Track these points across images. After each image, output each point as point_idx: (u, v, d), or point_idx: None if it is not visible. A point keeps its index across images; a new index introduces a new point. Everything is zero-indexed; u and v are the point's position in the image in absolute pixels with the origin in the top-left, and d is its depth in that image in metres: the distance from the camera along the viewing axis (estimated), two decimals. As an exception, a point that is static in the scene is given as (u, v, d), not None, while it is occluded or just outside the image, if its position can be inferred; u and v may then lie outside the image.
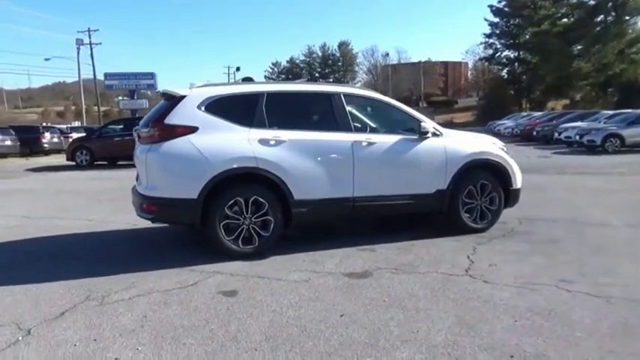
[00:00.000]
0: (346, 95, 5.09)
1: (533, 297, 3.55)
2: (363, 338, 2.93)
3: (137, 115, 29.45)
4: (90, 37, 40.08)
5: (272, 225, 4.64)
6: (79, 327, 3.16)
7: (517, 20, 55.58)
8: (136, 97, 37.52)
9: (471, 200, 5.45)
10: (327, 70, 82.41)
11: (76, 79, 41.53)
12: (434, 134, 5.28)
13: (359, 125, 5.11)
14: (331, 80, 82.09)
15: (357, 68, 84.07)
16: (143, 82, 37.43)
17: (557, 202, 7.69)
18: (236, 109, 4.69)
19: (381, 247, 4.95)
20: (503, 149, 5.77)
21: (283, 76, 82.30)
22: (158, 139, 4.45)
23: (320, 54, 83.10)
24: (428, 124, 5.20)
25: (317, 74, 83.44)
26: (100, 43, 40.90)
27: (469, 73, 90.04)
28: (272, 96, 4.83)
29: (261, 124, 4.68)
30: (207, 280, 4.04)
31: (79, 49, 38.34)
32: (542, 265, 4.31)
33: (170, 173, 4.45)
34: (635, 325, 3.04)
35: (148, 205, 4.49)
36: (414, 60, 79.65)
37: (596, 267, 4.23)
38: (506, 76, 60.54)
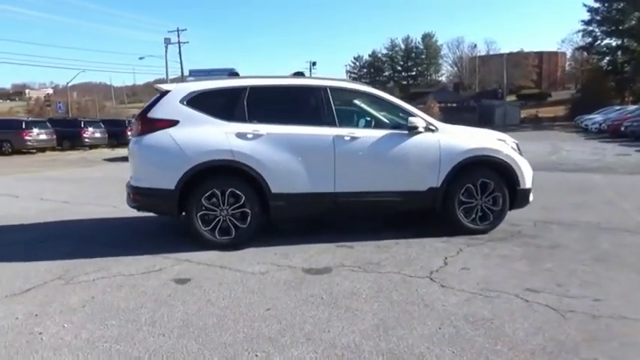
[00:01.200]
0: (333, 89, 5.02)
1: (480, 304, 3.30)
2: (270, 333, 2.92)
3: None
4: (178, 36, 42.78)
5: (249, 217, 4.73)
6: (32, 302, 3.47)
7: (621, 5, 50.46)
8: (217, 93, 39.45)
9: (470, 200, 5.14)
10: (409, 64, 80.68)
11: (175, 75, 44.73)
12: (427, 129, 5.05)
13: (345, 119, 5.02)
14: (414, 73, 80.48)
15: (441, 61, 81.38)
16: (224, 78, 39.20)
17: (599, 204, 6.96)
18: (218, 103, 4.83)
19: (364, 244, 4.84)
20: (512, 147, 5.36)
21: (365, 70, 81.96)
22: (142, 131, 4.71)
23: (403, 47, 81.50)
24: (418, 118, 4.98)
25: (399, 67, 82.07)
26: (188, 42, 43.40)
27: (567, 64, 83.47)
28: (255, 90, 4.90)
29: (241, 118, 4.78)
30: (172, 267, 4.22)
31: (166, 47, 41.17)
32: (519, 272, 3.98)
33: (150, 164, 4.69)
34: (571, 344, 2.73)
35: (133, 194, 4.78)
36: (504, 51, 75.26)
37: (581, 277, 3.82)
38: (606, 66, 55.23)
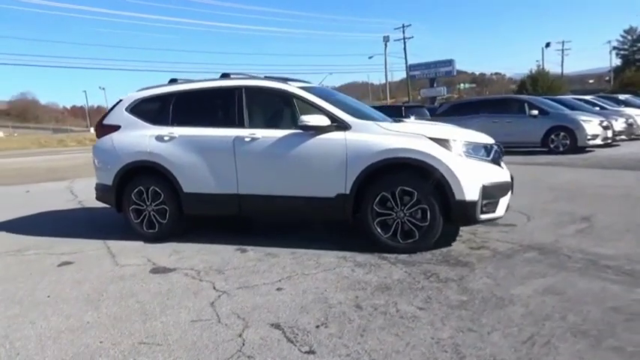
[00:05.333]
0: (248, 89, 4.88)
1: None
2: (11, 313, 3.35)
3: (437, 103, 30.56)
4: (404, 32, 43.51)
5: (167, 214, 5.09)
6: (-35, 266, 4.69)
7: None
8: (435, 85, 38.89)
9: (388, 211, 4.30)
10: None
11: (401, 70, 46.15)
12: (337, 127, 4.44)
13: (253, 120, 4.82)
14: None
15: None
16: (442, 70, 38.34)
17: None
18: (151, 109, 5.29)
19: (261, 249, 4.62)
20: (458, 149, 4.20)
21: (639, 45, 67.11)
22: (97, 136, 5.56)
23: (700, 9, 63.15)
24: (313, 116, 4.39)
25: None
26: (412, 37, 43.73)
27: None
28: (181, 95, 5.17)
29: (164, 122, 5.14)
30: (87, 252, 4.90)
31: (385, 45, 42.38)
32: (282, 303, 3.28)
33: (99, 163, 5.50)
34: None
35: (95, 189, 5.69)
36: None
37: (327, 319, 2.94)
38: None
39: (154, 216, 5.15)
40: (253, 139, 4.67)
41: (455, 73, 40.08)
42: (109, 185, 5.33)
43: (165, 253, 4.73)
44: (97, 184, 5.60)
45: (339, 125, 4.44)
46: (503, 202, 4.36)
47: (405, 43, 44.26)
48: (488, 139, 4.62)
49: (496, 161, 4.47)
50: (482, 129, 13.47)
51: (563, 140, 12.41)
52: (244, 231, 5.50)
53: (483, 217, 4.21)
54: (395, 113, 16.20)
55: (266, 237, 5.09)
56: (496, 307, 3.08)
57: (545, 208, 5.84)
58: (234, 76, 5.14)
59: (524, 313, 2.97)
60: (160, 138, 5.06)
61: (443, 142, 4.21)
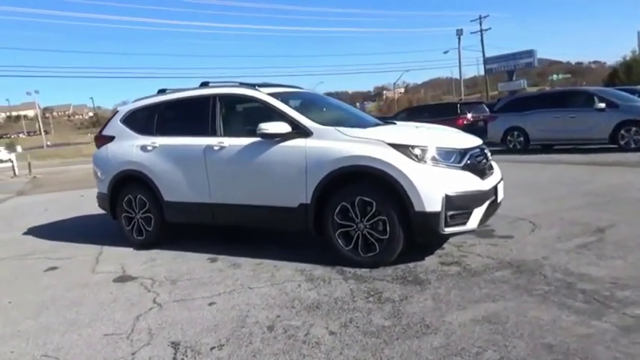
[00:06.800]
0: (221, 97, 4.83)
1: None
2: (-42, 320, 3.60)
3: (515, 96, 28.69)
4: (480, 24, 41.35)
5: (152, 221, 5.21)
6: (-26, 268, 5.14)
7: None
8: (514, 78, 36.50)
9: (349, 222, 4.05)
10: None
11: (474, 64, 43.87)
12: (299, 134, 4.26)
13: (224, 128, 4.75)
14: None
15: None
16: (521, 62, 35.86)
17: None
18: (140, 119, 5.42)
19: (231, 259, 4.57)
20: (427, 153, 3.84)
21: None
22: (97, 146, 5.82)
23: None
24: (272, 123, 4.22)
25: None
26: (490, 29, 41.39)
27: None
28: (167, 105, 5.25)
29: (149, 132, 5.25)
30: (77, 258, 5.17)
31: (459, 38, 40.40)
32: (227, 316, 3.15)
33: (97, 173, 5.74)
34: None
35: (96, 197, 5.97)
36: None
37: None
38: None
39: (142, 224, 5.29)
40: (221, 148, 4.62)
41: (536, 64, 37.25)
42: (105, 193, 5.56)
43: (141, 260, 4.84)
44: (97, 193, 5.88)
45: (301, 132, 4.25)
46: (477, 213, 3.91)
47: (482, 35, 42.04)
48: (468, 143, 4.18)
49: (473, 167, 4.02)
50: (542, 125, 12.74)
51: (635, 136, 11.02)
52: (231, 239, 5.46)
53: (449, 230, 3.80)
54: (449, 110, 15.49)
55: (246, 246, 5.02)
56: (414, 335, 2.75)
57: (561, 217, 5.18)
58: (212, 84, 5.12)
59: (439, 345, 2.62)
60: (144, 148, 5.18)
61: (402, 149, 3.86)
